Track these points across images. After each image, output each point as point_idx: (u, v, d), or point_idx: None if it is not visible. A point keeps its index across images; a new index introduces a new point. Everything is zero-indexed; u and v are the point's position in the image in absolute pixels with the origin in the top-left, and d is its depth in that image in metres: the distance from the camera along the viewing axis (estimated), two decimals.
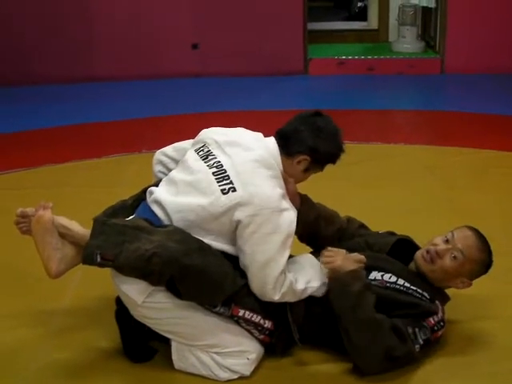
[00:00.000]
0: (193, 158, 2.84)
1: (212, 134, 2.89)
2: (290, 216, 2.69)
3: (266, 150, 2.78)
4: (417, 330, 2.72)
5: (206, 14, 7.87)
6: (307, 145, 2.79)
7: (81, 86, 7.62)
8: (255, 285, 2.68)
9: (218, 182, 2.69)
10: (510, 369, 2.77)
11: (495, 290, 3.28)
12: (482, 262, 2.86)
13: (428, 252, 2.86)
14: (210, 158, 2.79)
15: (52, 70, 7.74)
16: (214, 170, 2.73)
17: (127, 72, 7.85)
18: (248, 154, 2.75)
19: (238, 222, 2.64)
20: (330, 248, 2.81)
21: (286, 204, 2.71)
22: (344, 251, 2.79)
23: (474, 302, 3.19)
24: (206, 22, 7.87)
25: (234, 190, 2.66)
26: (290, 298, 2.73)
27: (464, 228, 2.90)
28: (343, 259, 2.74)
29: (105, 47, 7.83)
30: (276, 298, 2.68)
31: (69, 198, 4.44)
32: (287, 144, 2.80)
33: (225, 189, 2.66)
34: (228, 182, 2.68)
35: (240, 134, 2.90)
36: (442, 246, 2.85)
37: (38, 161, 5.25)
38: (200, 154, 2.84)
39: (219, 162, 2.75)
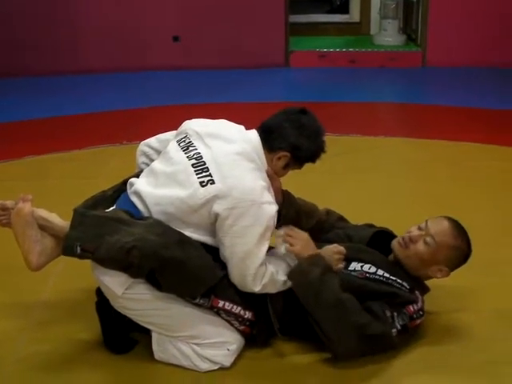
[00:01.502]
0: (174, 149, 2.83)
1: (194, 125, 2.89)
2: (270, 209, 2.68)
3: (249, 143, 2.77)
4: (395, 314, 2.74)
5: (188, 7, 7.86)
6: (289, 142, 2.78)
7: (64, 78, 7.59)
8: (235, 276, 2.68)
9: (196, 174, 2.68)
10: (485, 360, 2.79)
11: (475, 283, 3.31)
12: (457, 248, 2.87)
13: (403, 238, 2.90)
14: (190, 149, 2.79)
15: (36, 62, 7.71)
16: (194, 161, 2.72)
17: (111, 64, 7.83)
18: (229, 146, 2.74)
19: (217, 215, 2.64)
20: (292, 227, 2.80)
21: (268, 197, 2.71)
22: (306, 235, 2.79)
23: (454, 293, 3.22)
24: (189, 15, 7.86)
25: (213, 182, 2.65)
26: (271, 290, 2.73)
27: (440, 217, 2.93)
28: (303, 245, 2.75)
29: (89, 40, 7.81)
30: (256, 289, 2.69)
31: (50, 190, 4.43)
32: (269, 139, 2.80)
33: (203, 181, 2.66)
34: (207, 174, 2.68)
35: (222, 125, 2.90)
36: (415, 232, 2.89)
37: (20, 152, 5.22)
38: (181, 145, 2.83)
39: (199, 153, 2.75)
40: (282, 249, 2.77)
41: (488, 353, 2.84)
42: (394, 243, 2.93)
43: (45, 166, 5.01)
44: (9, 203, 2.80)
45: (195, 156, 2.74)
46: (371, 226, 3.18)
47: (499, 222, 4.06)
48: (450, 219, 2.92)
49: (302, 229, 3.03)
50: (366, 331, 2.66)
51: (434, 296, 3.02)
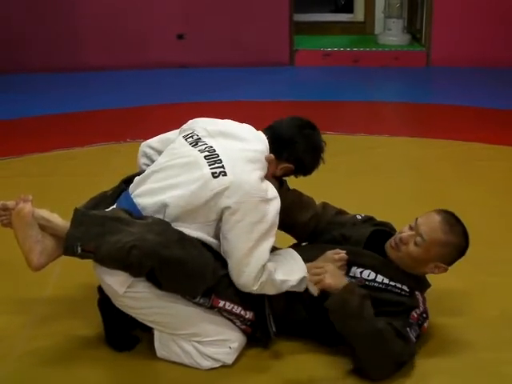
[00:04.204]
0: (181, 144, 2.83)
1: (202, 124, 2.88)
2: (276, 205, 2.70)
3: (262, 143, 2.80)
4: (408, 329, 2.71)
5: (192, 4, 7.85)
6: (298, 157, 2.84)
7: (66, 75, 7.59)
8: (234, 273, 2.66)
9: (209, 165, 2.67)
10: (488, 361, 2.77)
11: (479, 282, 3.31)
12: (448, 244, 2.79)
13: (394, 240, 2.86)
14: (199, 144, 2.78)
15: (37, 58, 7.71)
16: (206, 153, 2.72)
17: (113, 62, 7.82)
18: (242, 144, 2.76)
19: (225, 209, 2.63)
20: (315, 264, 2.77)
21: (272, 194, 2.71)
22: (331, 265, 2.75)
23: (457, 293, 3.22)
24: (193, 13, 7.86)
25: (225, 174, 2.65)
26: (269, 290, 2.70)
27: (431, 212, 2.86)
28: (331, 276, 2.70)
29: (91, 37, 7.80)
30: (254, 288, 2.66)
31: (53, 187, 4.44)
32: (279, 148, 2.82)
33: (216, 172, 2.66)
34: (220, 165, 2.67)
35: (232, 124, 2.90)
36: (406, 233, 2.83)
37: (23, 149, 5.22)
38: (188, 140, 2.82)
39: (211, 146, 2.75)
40: (313, 290, 2.72)
41: (491, 353, 2.82)
42: (387, 245, 2.88)
43: (47, 163, 5.00)
44: (10, 203, 2.77)
45: (207, 149, 2.74)
46: (371, 218, 3.13)
47: (504, 221, 4.05)
48: (441, 213, 2.84)
49: (295, 220, 3.04)
50: (401, 358, 2.66)
51: (436, 296, 3.01)
